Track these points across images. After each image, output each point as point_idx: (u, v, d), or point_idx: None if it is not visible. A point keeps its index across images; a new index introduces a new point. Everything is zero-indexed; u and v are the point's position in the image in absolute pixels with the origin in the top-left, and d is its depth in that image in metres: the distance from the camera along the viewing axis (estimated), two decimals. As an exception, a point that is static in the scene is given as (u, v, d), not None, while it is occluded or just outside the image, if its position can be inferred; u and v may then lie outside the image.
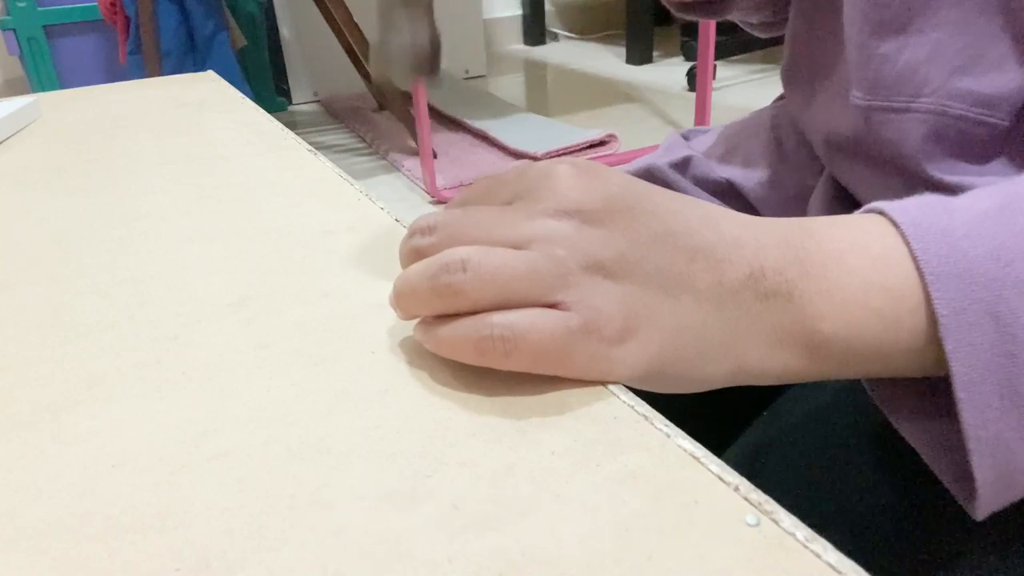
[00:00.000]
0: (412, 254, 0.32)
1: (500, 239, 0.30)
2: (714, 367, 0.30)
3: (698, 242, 0.30)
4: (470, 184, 0.34)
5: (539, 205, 0.30)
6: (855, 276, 0.29)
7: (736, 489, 0.25)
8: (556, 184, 0.30)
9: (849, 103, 0.43)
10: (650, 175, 0.61)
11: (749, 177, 0.58)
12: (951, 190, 0.40)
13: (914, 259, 0.28)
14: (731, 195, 0.58)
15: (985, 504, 0.28)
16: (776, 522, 0.23)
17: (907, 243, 0.28)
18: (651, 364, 0.29)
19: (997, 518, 0.30)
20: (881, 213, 0.30)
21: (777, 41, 0.56)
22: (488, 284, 0.29)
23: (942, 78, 0.39)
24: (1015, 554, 0.37)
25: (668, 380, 0.30)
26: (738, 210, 0.31)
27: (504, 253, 0.29)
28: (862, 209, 0.32)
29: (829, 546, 0.22)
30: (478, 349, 0.29)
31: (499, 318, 0.28)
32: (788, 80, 0.53)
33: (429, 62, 0.37)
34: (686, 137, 0.65)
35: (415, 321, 0.34)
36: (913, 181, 0.41)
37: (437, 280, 0.29)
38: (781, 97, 0.64)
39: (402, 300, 0.31)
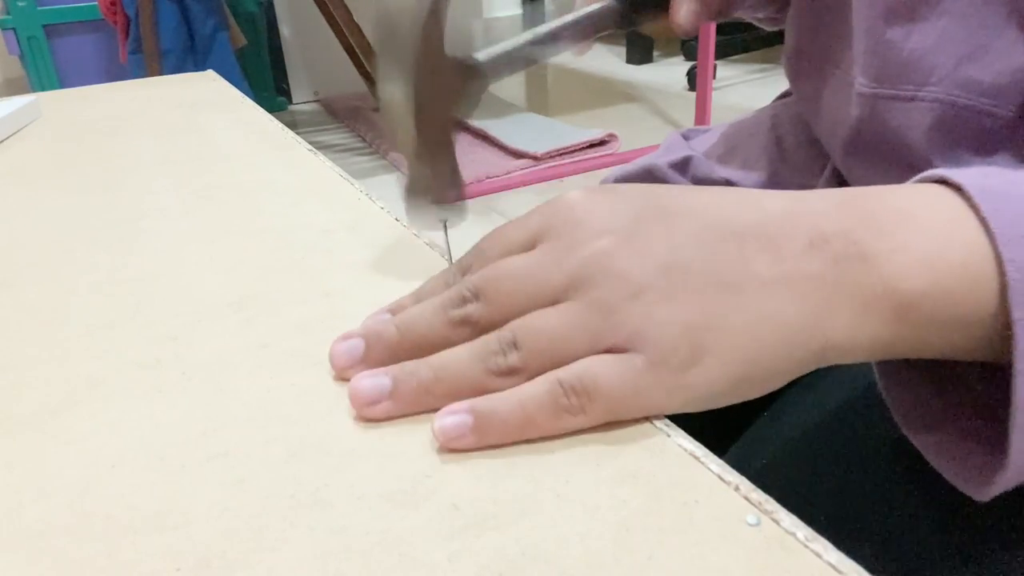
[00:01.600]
0: (463, 323, 0.30)
1: (540, 294, 0.29)
2: (802, 352, 0.27)
3: (743, 226, 0.28)
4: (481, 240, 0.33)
5: (565, 241, 0.29)
6: (931, 233, 0.27)
7: (736, 489, 0.25)
8: (577, 214, 0.29)
9: (855, 92, 0.43)
10: (650, 175, 0.61)
11: (749, 177, 0.58)
12: None
13: (983, 221, 0.26)
14: None
15: (1002, 484, 0.27)
16: (776, 522, 0.23)
17: (975, 207, 0.27)
18: (733, 374, 0.27)
19: (1007, 515, 0.29)
20: (943, 180, 0.28)
21: (778, 40, 0.56)
22: (544, 353, 0.28)
23: (949, 66, 0.38)
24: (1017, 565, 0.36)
25: (756, 382, 0.28)
26: None
27: (549, 315, 0.28)
28: (918, 177, 0.30)
29: (830, 546, 0.22)
30: (554, 411, 0.27)
31: (563, 374, 0.27)
32: (794, 71, 0.53)
33: (459, 211, 0.40)
34: (686, 137, 0.65)
35: (345, 368, 0.32)
36: (917, 174, 0.41)
37: (492, 362, 0.28)
38: (781, 96, 0.64)
39: (436, 387, 0.28)
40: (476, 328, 0.30)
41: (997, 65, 0.37)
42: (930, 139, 0.40)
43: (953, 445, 0.30)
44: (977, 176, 0.28)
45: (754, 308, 0.27)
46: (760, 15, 0.59)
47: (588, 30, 0.46)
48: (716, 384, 0.27)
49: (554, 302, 0.28)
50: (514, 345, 0.28)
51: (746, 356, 0.27)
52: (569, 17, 0.45)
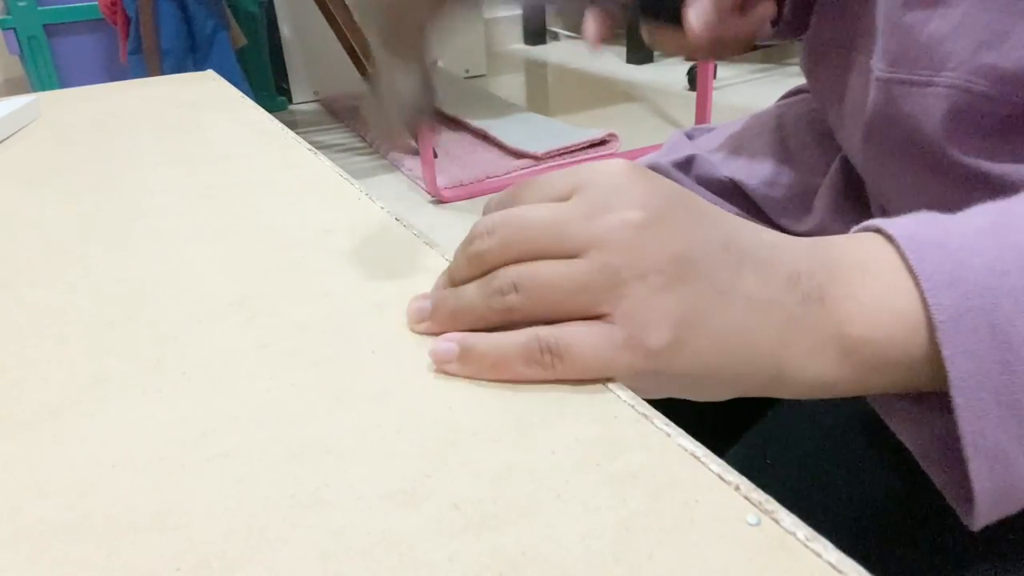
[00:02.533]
0: (474, 260, 0.32)
1: (557, 244, 0.30)
2: (756, 374, 0.30)
3: (745, 245, 0.30)
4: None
5: (600, 201, 0.30)
6: (878, 281, 0.29)
7: (737, 488, 0.25)
8: (618, 181, 0.31)
9: (873, 77, 0.42)
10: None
11: (753, 176, 0.58)
12: (970, 173, 0.40)
13: (909, 268, 0.28)
14: (735, 194, 0.58)
15: (983, 514, 0.28)
16: (777, 521, 0.23)
17: (902, 255, 0.29)
18: (696, 373, 0.29)
19: (1000, 527, 0.29)
20: (877, 230, 0.31)
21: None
22: (540, 302, 0.30)
23: (967, 52, 0.38)
24: (1017, 564, 0.36)
25: (709, 388, 0.30)
26: (742, 209, 0.31)
27: (555, 268, 0.30)
28: (858, 227, 0.32)
29: (830, 545, 0.22)
30: (525, 360, 0.30)
31: (544, 332, 0.29)
32: (813, 60, 0.52)
33: (421, 116, 0.37)
34: (690, 136, 0.65)
35: (417, 323, 0.34)
36: (933, 165, 0.41)
37: (492, 300, 0.31)
38: (785, 96, 0.64)
39: (456, 315, 0.32)
40: (484, 264, 0.32)
41: (1016, 52, 0.36)
42: (945, 126, 0.39)
43: (944, 475, 0.31)
44: (912, 225, 0.30)
45: (735, 320, 0.29)
46: (776, 40, 0.58)
47: None
48: (677, 379, 0.29)
49: (569, 256, 0.30)
50: (515, 288, 0.30)
51: (713, 361, 0.29)
52: None
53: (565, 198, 0.31)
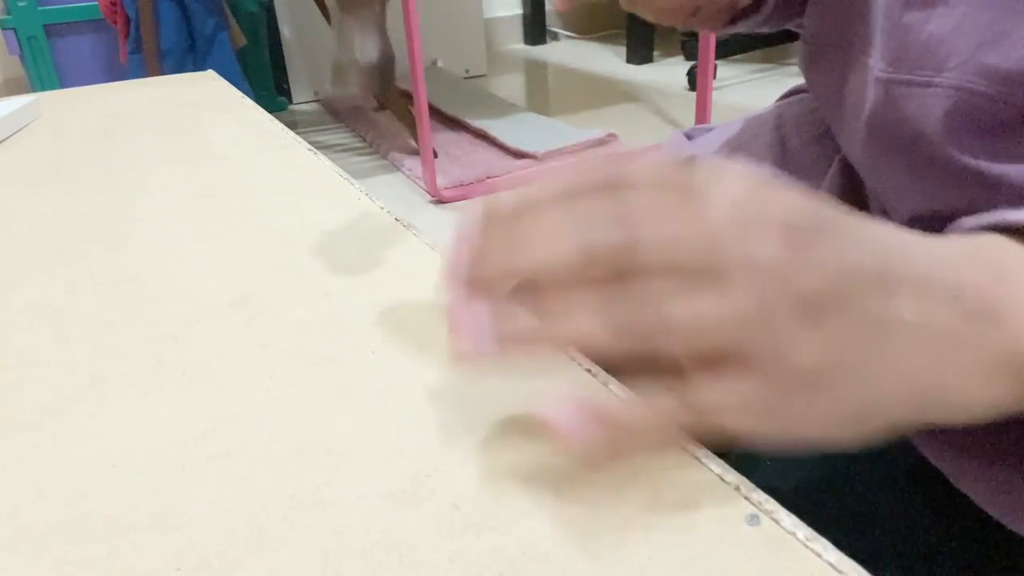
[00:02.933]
0: (590, 261, 0.25)
1: (704, 261, 0.25)
2: (914, 407, 0.26)
3: (900, 262, 0.26)
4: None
5: (747, 215, 0.25)
6: None
7: (737, 489, 0.25)
8: (758, 193, 0.26)
9: (872, 76, 0.42)
10: None
11: None
12: (970, 173, 0.40)
13: None
14: None
15: None
16: (777, 522, 0.23)
17: None
18: (844, 416, 0.25)
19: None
20: None
21: (778, 40, 0.56)
22: (686, 342, 0.24)
23: (967, 52, 0.38)
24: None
25: (859, 431, 0.26)
26: None
27: (713, 305, 0.24)
28: (992, 223, 0.29)
29: (829, 545, 0.22)
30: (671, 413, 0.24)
31: (694, 388, 0.24)
32: (811, 58, 0.52)
33: (380, 77, 0.36)
34: (689, 136, 0.64)
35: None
36: (933, 165, 0.41)
37: (625, 332, 0.24)
38: (784, 96, 0.64)
39: (562, 337, 0.25)
40: (601, 270, 0.25)
41: (1017, 53, 0.36)
42: (945, 126, 0.39)
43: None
44: None
45: (887, 353, 0.25)
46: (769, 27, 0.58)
47: None
48: (825, 423, 0.25)
49: (714, 276, 0.25)
50: (657, 314, 0.24)
51: (864, 401, 0.25)
52: None
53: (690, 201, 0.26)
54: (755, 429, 0.25)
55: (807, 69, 0.53)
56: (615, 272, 0.25)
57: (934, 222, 0.44)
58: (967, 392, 0.26)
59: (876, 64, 0.42)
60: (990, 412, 0.27)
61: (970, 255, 0.28)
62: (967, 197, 0.41)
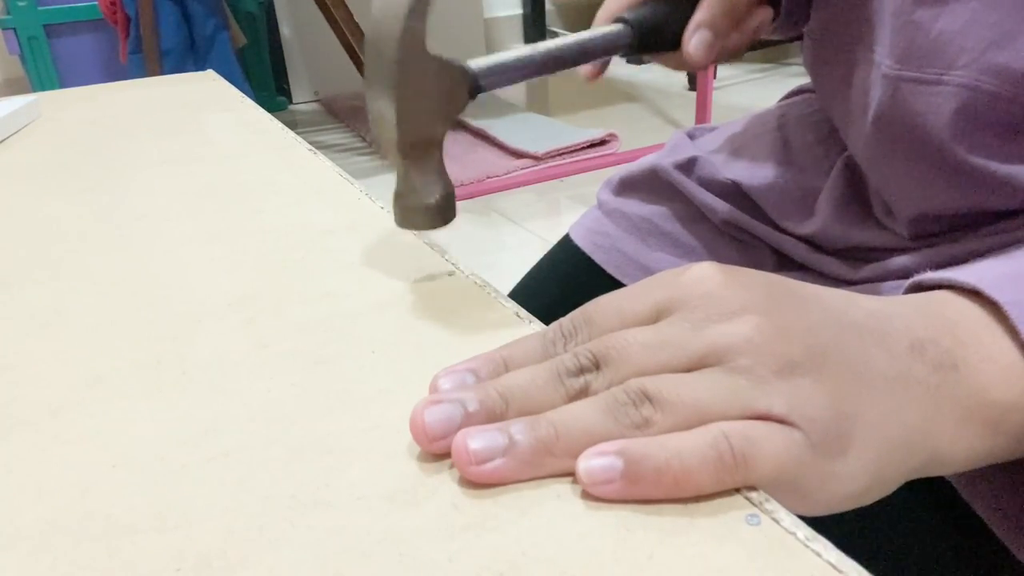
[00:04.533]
0: (580, 395, 0.26)
1: (672, 362, 0.26)
2: (913, 458, 0.26)
3: (856, 319, 0.27)
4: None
5: (700, 314, 0.26)
6: (1004, 342, 0.27)
7: (737, 489, 0.25)
8: (709, 288, 0.27)
9: (880, 74, 0.42)
10: (655, 175, 0.61)
11: (755, 178, 0.57)
12: (977, 173, 0.39)
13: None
14: (738, 196, 0.58)
15: None
16: (777, 521, 0.23)
17: (1010, 322, 0.27)
18: (868, 471, 0.25)
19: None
20: (971, 290, 0.28)
21: (777, 41, 0.56)
22: (685, 409, 0.24)
23: (977, 51, 0.37)
24: None
25: (877, 486, 0.26)
26: (744, 211, 0.30)
27: (685, 378, 0.25)
28: (930, 278, 0.30)
29: (830, 545, 0.22)
30: (716, 467, 0.23)
31: (728, 427, 0.24)
32: (817, 55, 0.52)
33: (444, 213, 0.38)
34: (691, 136, 0.64)
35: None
36: (939, 164, 0.41)
37: (622, 413, 0.25)
38: (787, 97, 0.63)
39: (574, 440, 0.25)
40: (580, 386, 0.27)
41: None
42: (953, 125, 0.39)
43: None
44: (1005, 285, 0.28)
45: (882, 404, 0.26)
46: (778, 36, 0.58)
47: (592, 54, 0.45)
48: (856, 481, 0.25)
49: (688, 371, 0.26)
50: (646, 398, 0.25)
51: (879, 453, 0.25)
52: (574, 38, 0.44)
53: (648, 321, 0.27)
54: (804, 485, 0.24)
55: (813, 66, 0.53)
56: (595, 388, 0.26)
57: (938, 221, 0.44)
58: (954, 441, 0.27)
59: (883, 60, 0.42)
60: (981, 460, 0.28)
61: (924, 312, 0.28)
62: (973, 196, 0.41)
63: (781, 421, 0.24)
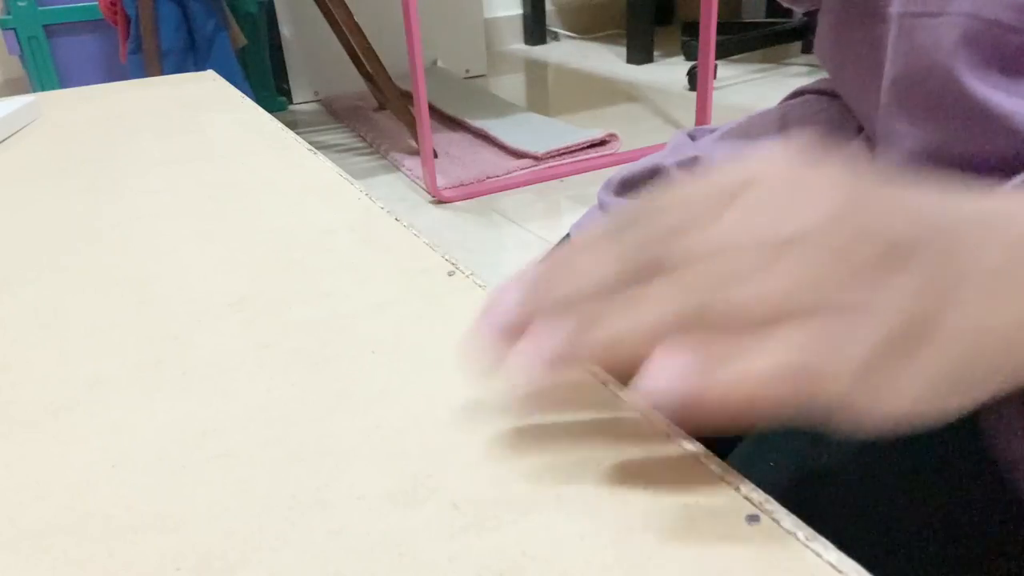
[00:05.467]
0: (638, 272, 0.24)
1: (757, 239, 0.23)
2: (1011, 363, 0.24)
3: (962, 214, 0.25)
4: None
5: (782, 202, 0.24)
6: None
7: (737, 488, 0.25)
8: (790, 175, 0.25)
9: (891, 18, 0.42)
10: (656, 175, 0.61)
11: None
12: (984, 105, 0.39)
13: None
14: None
15: None
16: (777, 522, 0.23)
17: None
18: (945, 374, 0.23)
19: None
20: None
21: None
22: (771, 297, 0.22)
23: None
24: None
25: (959, 393, 0.24)
26: None
27: (781, 268, 0.23)
28: None
29: (830, 545, 0.22)
30: (790, 381, 0.22)
31: (800, 337, 0.22)
32: (836, 23, 0.51)
33: None
34: (693, 136, 0.64)
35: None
36: (952, 110, 0.40)
37: (708, 300, 0.23)
38: (789, 97, 0.63)
39: (638, 337, 0.23)
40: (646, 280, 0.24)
41: None
42: (958, 55, 0.39)
43: None
44: None
45: (979, 301, 0.24)
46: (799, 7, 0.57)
47: None
48: (929, 382, 0.23)
49: (773, 246, 0.23)
50: (734, 279, 0.23)
51: (963, 356, 0.23)
52: None
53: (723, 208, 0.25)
54: (853, 393, 0.22)
55: (831, 42, 0.53)
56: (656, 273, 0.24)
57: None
58: None
59: (896, 9, 0.43)
60: None
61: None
62: (980, 138, 0.41)
63: (862, 314, 0.23)
